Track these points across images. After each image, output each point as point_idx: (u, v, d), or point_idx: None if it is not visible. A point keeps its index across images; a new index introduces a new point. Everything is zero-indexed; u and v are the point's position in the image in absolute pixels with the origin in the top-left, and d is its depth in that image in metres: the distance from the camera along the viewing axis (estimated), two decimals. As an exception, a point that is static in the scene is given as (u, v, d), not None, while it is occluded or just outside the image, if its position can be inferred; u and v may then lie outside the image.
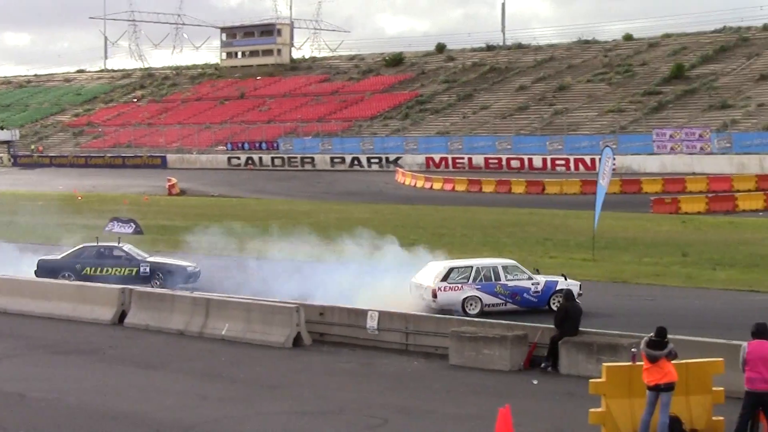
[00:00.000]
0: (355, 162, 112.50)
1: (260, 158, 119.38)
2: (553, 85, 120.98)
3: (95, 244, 39.39)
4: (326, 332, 28.77)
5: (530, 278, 32.81)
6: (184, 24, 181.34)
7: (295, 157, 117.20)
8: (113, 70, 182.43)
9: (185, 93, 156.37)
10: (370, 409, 21.39)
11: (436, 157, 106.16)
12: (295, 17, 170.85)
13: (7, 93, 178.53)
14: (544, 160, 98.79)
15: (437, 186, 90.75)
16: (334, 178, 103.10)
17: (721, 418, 19.19)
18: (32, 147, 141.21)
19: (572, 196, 79.36)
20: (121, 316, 31.67)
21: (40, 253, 40.83)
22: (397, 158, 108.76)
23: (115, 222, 56.43)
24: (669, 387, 18.15)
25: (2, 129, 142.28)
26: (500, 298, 32.42)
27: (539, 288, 32.71)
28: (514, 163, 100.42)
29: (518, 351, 25.14)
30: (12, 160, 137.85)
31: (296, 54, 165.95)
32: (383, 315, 28.08)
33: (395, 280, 33.46)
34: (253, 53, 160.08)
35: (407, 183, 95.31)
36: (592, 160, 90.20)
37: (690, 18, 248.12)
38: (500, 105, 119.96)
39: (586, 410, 19.01)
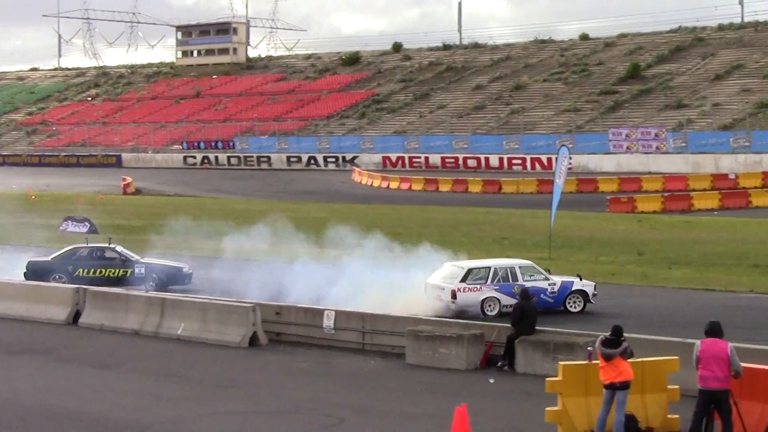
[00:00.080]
0: (312, 161, 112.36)
1: (216, 157, 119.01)
2: (509, 85, 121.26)
3: (85, 245, 38.44)
4: (283, 332, 28.68)
5: (546, 279, 32.60)
6: (139, 22, 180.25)
7: (252, 157, 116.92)
8: (67, 69, 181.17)
9: (140, 92, 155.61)
10: (326, 408, 21.31)
11: (393, 157, 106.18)
12: (251, 16, 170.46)
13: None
14: (501, 160, 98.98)
15: (394, 185, 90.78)
16: (290, 177, 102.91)
17: (677, 416, 19.26)
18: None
19: (529, 195, 79.61)
20: (76, 316, 31.44)
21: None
22: (354, 157, 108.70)
23: (70, 221, 56.14)
24: (624, 385, 18.19)
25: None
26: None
27: (555, 288, 32.51)
28: (471, 163, 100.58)
29: (475, 350, 25.13)
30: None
31: (252, 53, 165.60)
32: (340, 314, 28.02)
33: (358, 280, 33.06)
34: (209, 52, 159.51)
35: (364, 182, 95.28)
36: (549, 160, 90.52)
37: (646, 18, 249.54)
38: (457, 104, 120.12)
39: (543, 409, 19.01)
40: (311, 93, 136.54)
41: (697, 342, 18.09)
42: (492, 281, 32.05)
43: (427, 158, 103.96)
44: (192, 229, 44.15)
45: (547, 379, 19.45)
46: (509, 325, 25.25)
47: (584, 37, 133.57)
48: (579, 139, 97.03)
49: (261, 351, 27.39)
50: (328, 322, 27.93)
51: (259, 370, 25.23)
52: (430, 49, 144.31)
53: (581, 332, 24.91)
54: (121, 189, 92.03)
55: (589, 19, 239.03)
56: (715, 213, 67.24)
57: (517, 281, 32.06)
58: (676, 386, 19.42)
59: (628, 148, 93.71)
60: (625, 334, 18.59)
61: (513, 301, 31.69)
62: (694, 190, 75.05)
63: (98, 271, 37.02)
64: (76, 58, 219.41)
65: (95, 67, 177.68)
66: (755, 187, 74.54)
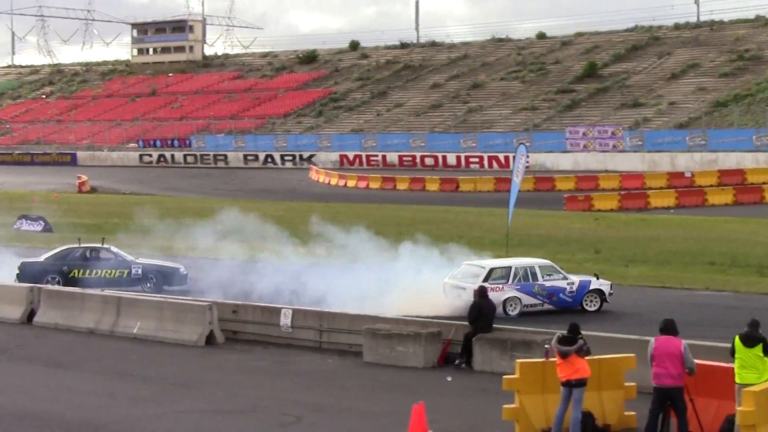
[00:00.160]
0: (269, 159, 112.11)
1: (172, 156, 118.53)
2: (467, 83, 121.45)
3: (78, 245, 37.28)
4: (240, 330, 28.55)
5: (565, 278, 32.50)
6: (94, 20, 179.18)
7: (208, 155, 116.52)
8: (21, 66, 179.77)
9: (95, 89, 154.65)
10: (284, 407, 21.23)
11: (350, 155, 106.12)
12: (207, 14, 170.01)
13: None
14: (458, 158, 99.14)
15: (351, 184, 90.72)
16: (247, 175, 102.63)
17: (633, 413, 19.33)
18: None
19: (486, 193, 79.73)
20: (30, 314, 31.14)
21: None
22: (311, 156, 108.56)
23: (24, 220, 55.67)
24: (580, 383, 18.21)
25: None
26: (538, 299, 32.01)
27: (574, 288, 32.40)
28: (429, 161, 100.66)
29: (432, 348, 25.11)
30: None
31: (209, 51, 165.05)
32: (297, 313, 27.92)
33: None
34: (165, 50, 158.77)
35: (321, 180, 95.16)
36: (506, 158, 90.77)
37: (602, 17, 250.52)
38: (414, 103, 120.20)
39: (500, 406, 19.02)
40: (268, 91, 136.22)
41: (652, 339, 18.18)
42: (513, 281, 31.89)
43: (384, 156, 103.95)
44: (154, 228, 43.85)
45: (505, 376, 19.45)
46: (466, 323, 25.23)
47: (541, 36, 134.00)
48: (536, 138, 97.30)
49: (218, 350, 27.25)
50: (286, 320, 27.82)
51: (216, 368, 25.10)
52: (388, 47, 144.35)
53: (539, 330, 24.94)
54: (76, 187, 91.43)
55: (546, 18, 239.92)
56: (672, 211, 67.63)
57: (537, 281, 32.04)
58: (633, 383, 19.49)
59: (585, 146, 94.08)
60: (582, 332, 18.62)
61: (534, 301, 31.80)
62: (650, 189, 75.46)
63: (94, 271, 35.94)
64: (30, 56, 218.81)
65: (50, 65, 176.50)
66: (711, 186, 75.03)
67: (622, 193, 73.04)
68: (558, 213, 65.71)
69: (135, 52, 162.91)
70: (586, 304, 32.40)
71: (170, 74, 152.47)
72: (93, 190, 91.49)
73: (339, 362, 25.69)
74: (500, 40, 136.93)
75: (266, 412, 20.86)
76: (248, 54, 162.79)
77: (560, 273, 32.65)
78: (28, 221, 55.19)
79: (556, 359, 18.43)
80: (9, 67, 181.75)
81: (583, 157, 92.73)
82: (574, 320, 19.10)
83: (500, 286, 31.57)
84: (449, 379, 23.83)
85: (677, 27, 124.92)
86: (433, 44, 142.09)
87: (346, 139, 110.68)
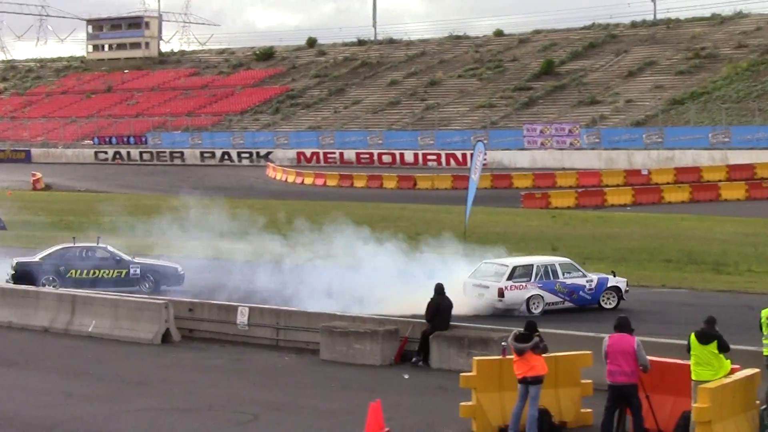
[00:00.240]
0: (226, 157, 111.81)
1: (128, 153, 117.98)
2: (424, 80, 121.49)
3: (73, 244, 36.44)
4: (196, 328, 28.42)
5: (584, 276, 32.45)
6: (48, 15, 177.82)
7: (164, 152, 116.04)
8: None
9: (50, 86, 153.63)
10: (240, 405, 21.13)
11: (308, 152, 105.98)
12: (163, 10, 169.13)
13: None
14: (416, 155, 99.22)
15: (308, 181, 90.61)
16: (204, 173, 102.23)
17: (590, 410, 19.37)
18: None
19: (444, 191, 79.86)
20: (-17, 313, 30.83)
21: None
22: (268, 153, 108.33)
23: (-22, 217, 55.09)
24: (536, 380, 18.21)
25: None
26: (560, 297, 31.93)
27: (593, 285, 32.35)
28: (386, 158, 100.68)
29: (389, 346, 25.08)
30: None
31: (165, 47, 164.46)
32: (254, 310, 27.82)
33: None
34: (121, 46, 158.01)
35: (278, 178, 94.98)
36: (464, 155, 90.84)
37: (560, 14, 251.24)
38: (372, 100, 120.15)
39: (457, 404, 19.01)
40: (225, 88, 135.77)
41: (606, 337, 18.23)
42: (535, 279, 31.78)
43: (341, 154, 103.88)
44: (119, 225, 43.58)
45: (462, 374, 19.43)
46: (423, 320, 25.20)
47: (499, 34, 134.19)
48: (494, 135, 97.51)
49: (174, 348, 27.11)
50: (242, 318, 27.71)
51: (172, 367, 24.96)
52: (345, 44, 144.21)
53: (496, 327, 24.94)
54: (31, 185, 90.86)
55: (503, 15, 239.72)
56: (628, 208, 67.93)
57: (558, 278, 31.99)
58: (590, 381, 19.54)
59: (542, 144, 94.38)
60: (540, 330, 18.63)
61: (555, 299, 31.72)
62: (607, 186, 75.83)
63: (92, 272, 35.37)
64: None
65: (3, 61, 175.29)
66: (667, 183, 75.41)
67: (579, 190, 73.33)
68: (515, 210, 65.88)
69: (90, 48, 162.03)
70: (604, 302, 32.41)
71: (126, 71, 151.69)
72: (48, 187, 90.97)
73: (296, 360, 25.61)
74: (458, 37, 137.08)
75: (223, 411, 20.76)
76: (205, 51, 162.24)
77: (579, 270, 32.66)
78: (-18, 218, 54.65)
79: (513, 356, 18.43)
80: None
81: (540, 154, 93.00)
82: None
83: (523, 284, 31.54)
84: (406, 376, 23.80)
85: (634, 25, 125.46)
86: (391, 41, 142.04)
87: (304, 137, 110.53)
